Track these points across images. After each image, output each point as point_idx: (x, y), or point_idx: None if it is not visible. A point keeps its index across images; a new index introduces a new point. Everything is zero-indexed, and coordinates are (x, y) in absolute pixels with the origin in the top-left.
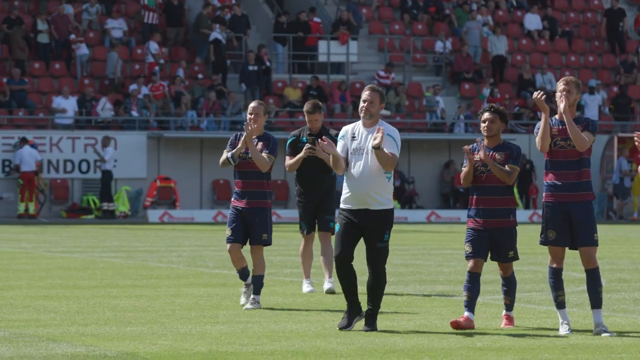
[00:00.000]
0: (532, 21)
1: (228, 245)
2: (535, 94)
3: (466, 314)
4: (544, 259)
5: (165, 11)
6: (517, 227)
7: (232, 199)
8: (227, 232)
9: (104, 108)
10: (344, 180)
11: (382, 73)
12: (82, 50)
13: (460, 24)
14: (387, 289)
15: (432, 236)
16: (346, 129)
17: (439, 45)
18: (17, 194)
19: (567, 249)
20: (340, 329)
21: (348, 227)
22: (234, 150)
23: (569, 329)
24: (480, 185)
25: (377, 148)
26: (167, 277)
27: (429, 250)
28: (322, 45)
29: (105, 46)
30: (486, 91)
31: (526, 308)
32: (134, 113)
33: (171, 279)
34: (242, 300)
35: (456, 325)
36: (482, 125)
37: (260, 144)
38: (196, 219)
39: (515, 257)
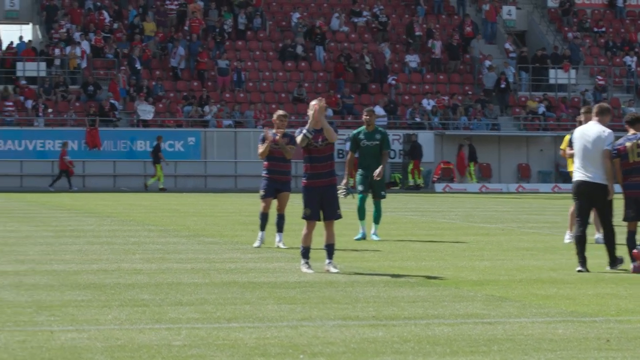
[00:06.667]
0: None
1: (309, 223)
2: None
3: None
4: None
5: (447, 49)
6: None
7: (305, 180)
8: (307, 211)
9: (411, 114)
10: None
11: (589, 94)
12: (390, 79)
13: None
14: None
15: None
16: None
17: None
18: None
19: None
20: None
21: None
22: (306, 128)
23: None
24: None
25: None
26: (448, 228)
27: None
28: (552, 72)
29: (404, 73)
30: None
31: None
32: (417, 119)
33: (451, 230)
34: (309, 270)
35: None
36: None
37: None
38: (468, 190)
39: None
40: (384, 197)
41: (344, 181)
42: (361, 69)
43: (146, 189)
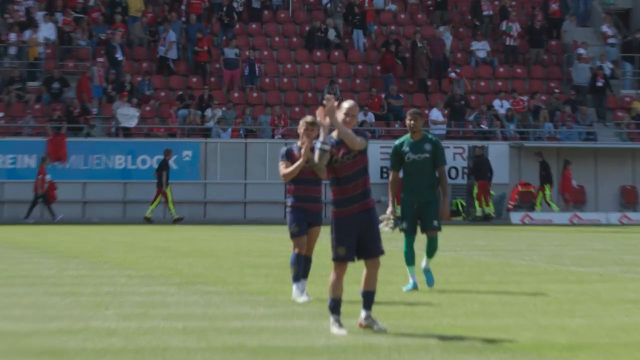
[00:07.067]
0: None
1: (339, 266)
2: None
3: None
4: None
5: (527, 33)
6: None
7: (334, 210)
8: (340, 250)
9: (476, 119)
10: None
11: None
12: (451, 74)
13: None
14: None
15: None
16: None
17: None
18: None
19: None
20: None
21: None
22: (320, 140)
23: None
24: None
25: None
26: (528, 274)
27: None
28: None
29: (470, 65)
30: None
31: None
32: (484, 126)
33: (532, 276)
34: (341, 330)
35: None
36: None
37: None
38: (554, 221)
39: None
40: (438, 228)
41: (389, 210)
42: (419, 59)
43: (176, 222)
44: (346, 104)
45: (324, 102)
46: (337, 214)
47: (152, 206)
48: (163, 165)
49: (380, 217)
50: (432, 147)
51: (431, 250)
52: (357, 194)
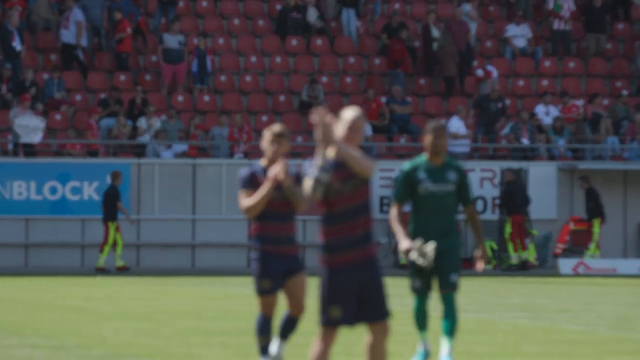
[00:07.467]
0: None
1: (328, 331)
2: None
3: None
4: None
5: (583, 13)
6: None
7: (325, 257)
8: (334, 311)
9: (513, 130)
10: None
11: None
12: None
13: None
14: None
15: None
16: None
17: None
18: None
19: None
20: None
21: None
22: (316, 164)
23: None
24: None
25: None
26: (583, 342)
27: None
28: None
29: (505, 58)
30: None
31: None
32: (524, 140)
33: (589, 346)
34: None
35: None
36: None
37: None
38: (619, 271)
39: None
40: (454, 286)
41: (407, 244)
42: (447, 49)
43: (99, 271)
44: (349, 114)
45: (315, 116)
46: (329, 262)
47: (118, 251)
48: (114, 193)
49: (411, 246)
50: (458, 176)
51: (451, 321)
52: (357, 237)
